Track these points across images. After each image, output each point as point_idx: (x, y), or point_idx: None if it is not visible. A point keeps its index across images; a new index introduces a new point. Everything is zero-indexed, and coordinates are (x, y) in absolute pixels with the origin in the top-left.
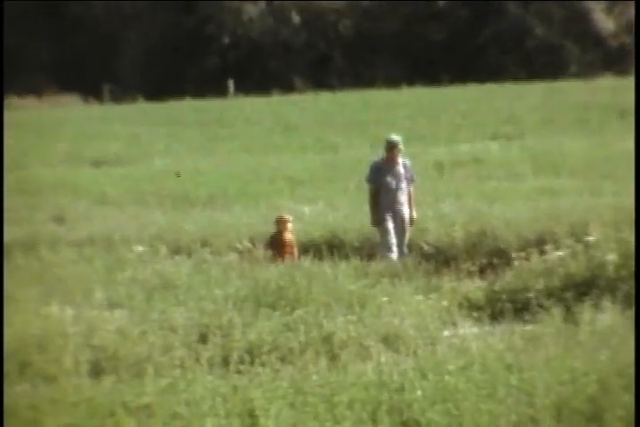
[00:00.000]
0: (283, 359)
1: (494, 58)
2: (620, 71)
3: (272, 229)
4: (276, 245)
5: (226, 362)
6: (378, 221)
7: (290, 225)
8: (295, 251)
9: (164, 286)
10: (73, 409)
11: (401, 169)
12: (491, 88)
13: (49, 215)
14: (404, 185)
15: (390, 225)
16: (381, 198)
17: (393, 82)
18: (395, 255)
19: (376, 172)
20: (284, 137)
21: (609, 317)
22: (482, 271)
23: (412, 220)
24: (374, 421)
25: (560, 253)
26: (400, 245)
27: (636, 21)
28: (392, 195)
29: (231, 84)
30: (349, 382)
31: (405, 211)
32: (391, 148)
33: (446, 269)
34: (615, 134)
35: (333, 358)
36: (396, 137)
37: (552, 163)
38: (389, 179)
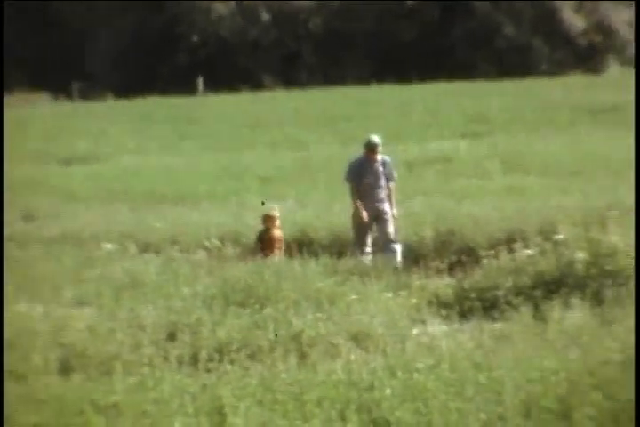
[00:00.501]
0: (252, 357)
1: (464, 56)
2: (589, 70)
3: (241, 226)
4: (265, 241)
5: (195, 360)
6: (361, 218)
7: (277, 221)
8: (283, 247)
9: (133, 283)
10: (42, 407)
11: (379, 167)
12: (460, 86)
13: (18, 213)
14: (382, 182)
15: (368, 231)
16: (361, 197)
17: (363, 80)
18: (368, 258)
19: (354, 170)
20: (254, 134)
21: (578, 315)
22: (451, 269)
23: (392, 216)
24: (343, 419)
25: (529, 251)
26: (386, 242)
27: (635, 21)
28: (371, 193)
29: (200, 81)
30: (318, 381)
31: (386, 208)
32: (371, 149)
33: (415, 267)
34: (584, 133)
35: (302, 356)
36: (376, 138)
37: (521, 161)
38: (368, 177)
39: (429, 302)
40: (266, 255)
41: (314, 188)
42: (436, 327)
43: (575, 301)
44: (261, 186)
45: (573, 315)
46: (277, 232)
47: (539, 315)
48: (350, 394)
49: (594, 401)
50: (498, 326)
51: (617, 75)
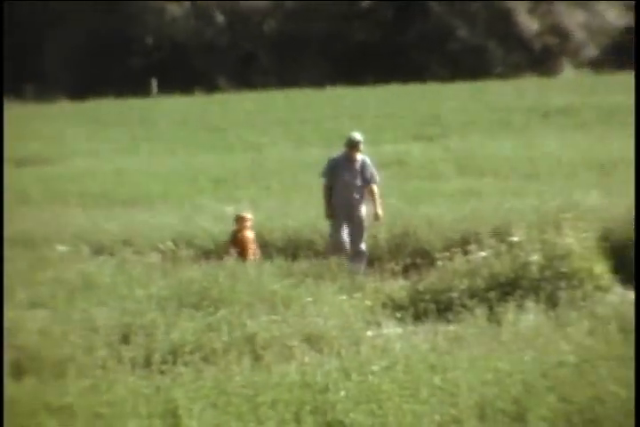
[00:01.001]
0: (206, 359)
1: (418, 58)
2: (544, 72)
3: (195, 228)
4: (237, 243)
5: (148, 362)
6: (331, 215)
7: (249, 223)
8: (257, 249)
9: (87, 286)
10: None
11: (357, 166)
12: (414, 89)
13: None
14: (358, 182)
15: (343, 224)
16: (336, 195)
17: (317, 82)
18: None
19: (332, 167)
20: (208, 137)
21: (532, 317)
22: (405, 271)
23: (377, 217)
24: (298, 421)
25: (484, 253)
26: (356, 244)
27: (635, 21)
28: (346, 192)
29: (154, 83)
30: (273, 383)
31: (361, 208)
32: (352, 146)
33: (370, 269)
34: (539, 135)
35: (257, 358)
36: (358, 136)
37: (476, 164)
38: (345, 175)
39: (384, 305)
40: (238, 257)
41: (268, 190)
42: (391, 329)
43: (530, 303)
44: (215, 188)
45: (528, 317)
46: (249, 233)
47: (493, 317)
48: (305, 396)
49: (548, 403)
50: (452, 328)
51: (571, 77)
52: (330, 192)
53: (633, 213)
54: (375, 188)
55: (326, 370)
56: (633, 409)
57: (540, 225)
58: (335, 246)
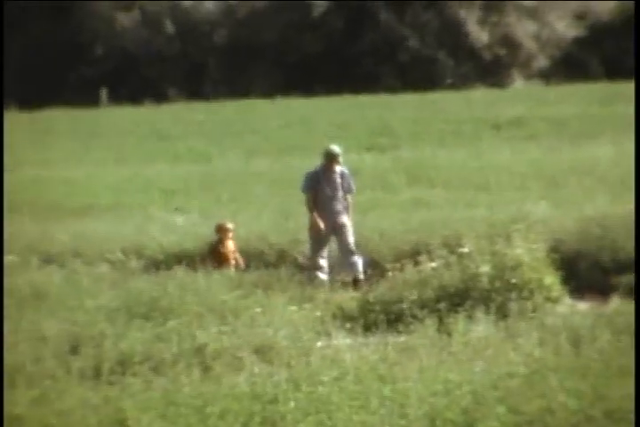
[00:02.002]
0: (155, 370)
1: (368, 69)
2: (494, 83)
3: (144, 239)
4: (216, 254)
5: (97, 373)
6: (314, 229)
7: (231, 233)
8: (240, 258)
9: (35, 296)
10: None
11: (337, 178)
12: (365, 99)
13: None
14: (340, 194)
15: (322, 245)
16: (319, 208)
17: (268, 92)
18: (324, 276)
19: (310, 181)
20: (158, 147)
21: (482, 328)
22: (356, 282)
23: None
24: None
25: (434, 264)
26: (347, 254)
27: (635, 21)
28: (329, 204)
29: (104, 93)
30: (222, 394)
31: (345, 220)
32: (330, 159)
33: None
34: (489, 146)
35: (206, 369)
36: (336, 148)
37: (426, 174)
38: (325, 187)
39: (334, 315)
40: (217, 267)
41: (217, 200)
42: (341, 340)
43: (480, 314)
44: (165, 198)
45: (478, 328)
46: (230, 244)
47: (443, 328)
48: (254, 407)
49: (498, 414)
50: (402, 338)
51: (521, 88)
52: (313, 205)
53: (582, 224)
54: (350, 198)
55: (276, 381)
56: (583, 420)
57: (490, 236)
58: (313, 266)
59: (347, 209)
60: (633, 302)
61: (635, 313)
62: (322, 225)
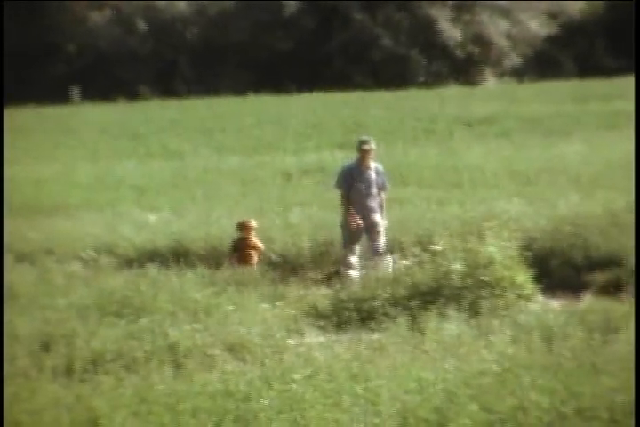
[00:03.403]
0: (127, 368)
1: (341, 67)
2: (466, 81)
3: (116, 237)
4: (241, 250)
5: (69, 371)
6: (352, 224)
7: (253, 231)
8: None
9: (8, 294)
10: None
11: (372, 174)
12: (337, 97)
13: None
14: (374, 191)
15: (355, 243)
16: (353, 205)
17: (240, 90)
18: (354, 273)
19: (345, 177)
20: (130, 144)
21: (455, 326)
22: (328, 280)
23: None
24: None
25: (406, 262)
26: (376, 254)
27: (635, 21)
28: (362, 200)
29: (76, 91)
30: (194, 391)
31: (378, 218)
32: (364, 152)
33: (293, 277)
34: (462, 144)
35: (178, 366)
36: (365, 136)
37: (399, 172)
38: (359, 184)
39: (306, 313)
40: (241, 265)
41: (190, 198)
42: (314, 338)
43: (452, 312)
44: (137, 196)
45: (450, 326)
46: (254, 240)
47: (416, 326)
48: (227, 405)
49: (470, 412)
50: (375, 336)
51: (494, 86)
52: (348, 201)
53: (554, 222)
54: (384, 196)
55: (248, 379)
56: (556, 418)
57: (462, 234)
58: (344, 264)
59: (381, 206)
60: (606, 299)
61: (635, 313)
62: (359, 222)
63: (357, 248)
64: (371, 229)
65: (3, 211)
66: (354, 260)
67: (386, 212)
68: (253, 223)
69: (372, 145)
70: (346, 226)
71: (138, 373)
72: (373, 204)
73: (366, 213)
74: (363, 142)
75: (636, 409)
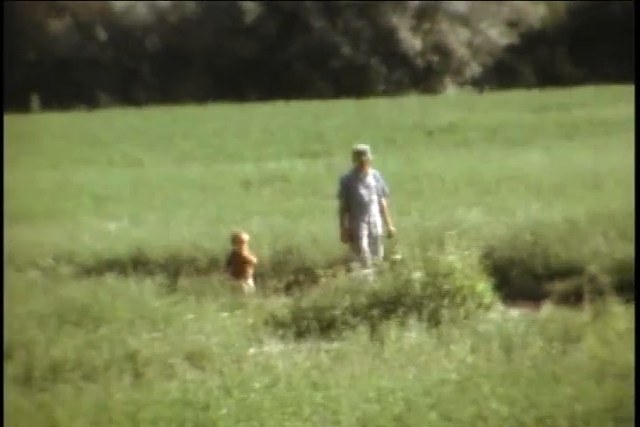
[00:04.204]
0: (86, 377)
1: (301, 75)
2: (427, 90)
3: (76, 245)
4: (234, 264)
5: (28, 379)
6: (347, 238)
7: (245, 244)
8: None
9: None
10: None
11: (372, 180)
12: (298, 106)
13: None
14: (375, 197)
15: (365, 242)
16: (354, 212)
17: (200, 98)
18: (369, 271)
19: (346, 186)
20: (90, 152)
21: (415, 335)
22: (288, 289)
23: (390, 233)
24: None
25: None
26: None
27: (635, 21)
28: (364, 207)
29: (35, 99)
30: (154, 400)
31: (379, 223)
32: (357, 157)
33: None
34: (422, 153)
35: (138, 375)
36: (362, 146)
37: None
38: (361, 191)
39: (266, 322)
40: (235, 278)
41: (150, 206)
42: (273, 347)
43: (412, 320)
44: (97, 204)
45: (410, 335)
46: (246, 255)
47: (376, 335)
48: (186, 414)
49: (430, 421)
50: (335, 345)
51: (454, 95)
52: (345, 214)
53: (514, 231)
54: (385, 202)
55: (208, 387)
56: (517, 426)
57: (422, 243)
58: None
59: (382, 212)
60: (566, 308)
61: (635, 313)
62: (350, 238)
63: (366, 245)
64: (373, 238)
65: (3, 212)
66: (367, 255)
67: (390, 217)
68: (245, 236)
69: (368, 154)
70: (343, 239)
71: (97, 382)
72: (375, 209)
73: (369, 219)
74: (361, 153)
75: (636, 409)
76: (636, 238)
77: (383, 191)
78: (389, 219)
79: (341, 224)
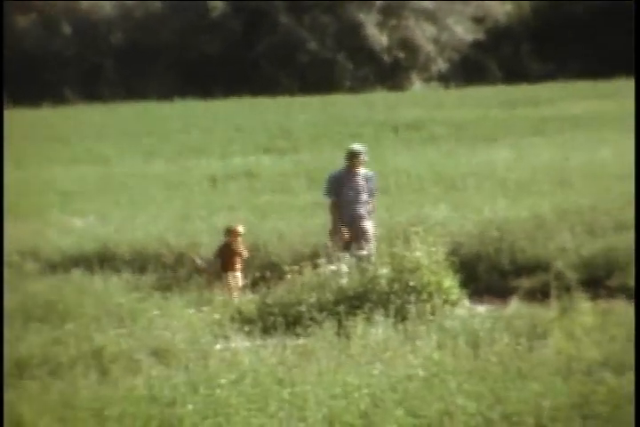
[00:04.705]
0: (52, 373)
1: (267, 71)
2: (393, 86)
3: (41, 242)
4: (226, 257)
5: None
6: (332, 233)
7: (240, 237)
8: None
9: None
10: None
11: (361, 180)
12: (264, 102)
13: None
14: (364, 197)
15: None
16: (341, 213)
17: (166, 94)
18: (343, 281)
19: (333, 184)
20: (55, 149)
21: (381, 331)
22: (254, 285)
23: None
24: None
25: (333, 266)
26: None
27: (635, 21)
28: (351, 207)
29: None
30: (120, 396)
31: (367, 224)
32: (352, 157)
33: (219, 282)
34: (389, 149)
35: (104, 372)
36: (358, 146)
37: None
38: (348, 191)
39: (232, 318)
40: (225, 269)
41: (115, 203)
42: (239, 343)
43: (379, 316)
44: (63, 201)
45: (377, 331)
46: (240, 247)
47: (342, 331)
48: (152, 410)
49: (397, 417)
50: (301, 341)
51: (420, 91)
52: (337, 210)
53: (481, 227)
54: (373, 202)
55: (174, 384)
56: (482, 422)
57: (389, 239)
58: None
59: (370, 214)
60: (532, 304)
61: (635, 314)
62: (346, 235)
63: (347, 258)
64: (359, 236)
65: (3, 211)
66: (344, 268)
67: (373, 217)
68: (240, 229)
69: (363, 155)
70: (334, 237)
71: (63, 378)
72: (362, 210)
73: (355, 220)
74: (356, 154)
75: (636, 409)
76: (635, 239)
77: (371, 192)
78: (372, 218)
79: (334, 219)
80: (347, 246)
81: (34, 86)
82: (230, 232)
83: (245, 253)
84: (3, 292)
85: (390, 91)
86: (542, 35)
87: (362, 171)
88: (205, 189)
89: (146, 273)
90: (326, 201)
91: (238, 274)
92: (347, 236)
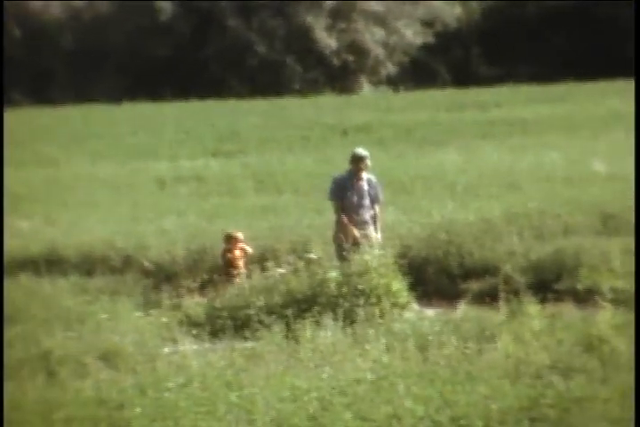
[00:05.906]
0: None
1: (216, 74)
2: (342, 89)
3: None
4: (225, 263)
5: None
6: (338, 236)
7: (240, 243)
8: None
9: None
10: None
11: (365, 185)
12: (213, 105)
13: None
14: (367, 202)
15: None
16: (345, 216)
17: (115, 97)
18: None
19: (338, 188)
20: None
21: (330, 334)
22: (202, 288)
23: (376, 239)
24: None
25: (281, 270)
26: None
27: (635, 21)
28: (354, 212)
29: None
30: (68, 400)
31: (370, 230)
32: (356, 161)
33: (167, 285)
34: (337, 152)
35: (51, 375)
36: (363, 151)
37: (274, 180)
38: (352, 195)
39: (180, 321)
40: (226, 276)
41: (63, 205)
42: (187, 346)
43: (327, 320)
44: (10, 203)
45: (325, 334)
46: (240, 253)
47: (291, 334)
48: (100, 413)
49: (345, 420)
50: (249, 344)
51: (369, 95)
52: (342, 214)
53: (429, 230)
54: (378, 209)
55: (122, 387)
56: (430, 426)
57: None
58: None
59: (374, 220)
60: (481, 307)
61: (634, 315)
62: (357, 234)
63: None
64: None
65: (3, 210)
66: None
67: (381, 226)
68: (239, 235)
69: (367, 160)
70: (342, 238)
71: (11, 381)
72: (366, 216)
73: (359, 226)
74: (361, 159)
75: (636, 409)
76: (636, 238)
77: (376, 197)
78: (378, 225)
79: (342, 224)
80: (353, 250)
81: None
82: (230, 239)
83: (250, 251)
84: (3, 292)
85: (339, 94)
86: (491, 38)
87: (365, 176)
88: (153, 192)
89: (94, 276)
90: (331, 205)
91: (238, 280)
92: (355, 239)
